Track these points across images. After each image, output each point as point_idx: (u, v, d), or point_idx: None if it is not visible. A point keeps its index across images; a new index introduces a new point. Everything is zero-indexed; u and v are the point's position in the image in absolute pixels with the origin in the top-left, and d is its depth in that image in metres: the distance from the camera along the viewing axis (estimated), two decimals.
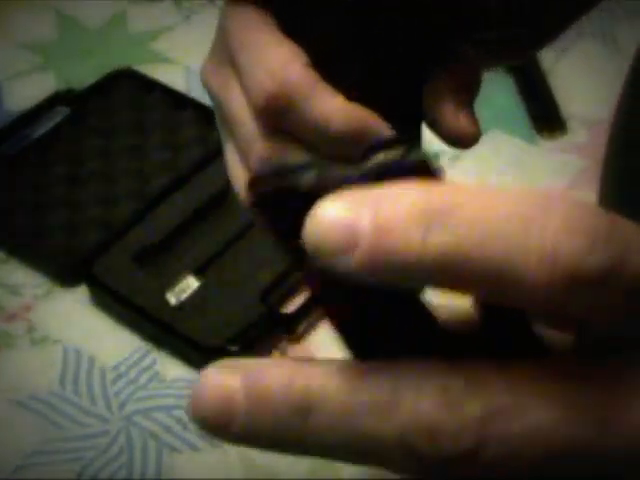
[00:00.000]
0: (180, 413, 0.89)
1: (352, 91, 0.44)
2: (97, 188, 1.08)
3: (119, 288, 0.96)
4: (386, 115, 0.45)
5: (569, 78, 1.20)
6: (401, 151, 0.25)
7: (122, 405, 0.90)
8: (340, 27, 0.45)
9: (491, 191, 0.24)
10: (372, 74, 0.46)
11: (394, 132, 0.44)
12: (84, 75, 1.19)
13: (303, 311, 0.94)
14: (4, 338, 0.95)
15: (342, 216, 0.23)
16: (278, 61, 0.44)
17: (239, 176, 0.48)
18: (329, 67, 0.44)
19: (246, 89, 0.45)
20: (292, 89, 0.43)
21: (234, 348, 0.90)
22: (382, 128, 0.44)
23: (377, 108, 0.45)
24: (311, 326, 0.95)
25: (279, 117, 0.44)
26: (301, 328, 0.95)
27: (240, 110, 0.46)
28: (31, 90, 1.19)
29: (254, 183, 0.26)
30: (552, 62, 1.21)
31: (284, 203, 0.25)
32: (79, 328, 0.96)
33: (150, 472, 0.85)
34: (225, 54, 0.47)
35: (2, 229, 1.05)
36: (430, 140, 1.28)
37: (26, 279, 1.01)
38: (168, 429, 0.88)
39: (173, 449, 0.87)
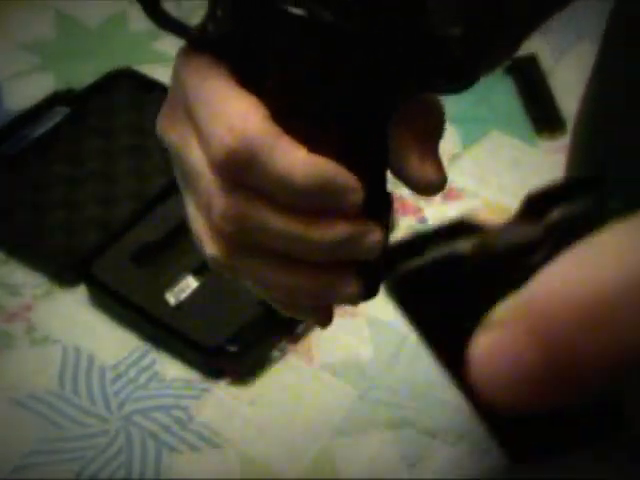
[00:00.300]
0: (179, 413, 0.89)
1: (314, 142, 0.43)
2: (97, 188, 1.08)
3: (118, 288, 0.96)
4: (350, 166, 0.44)
5: (569, 79, 1.20)
6: (588, 202, 0.23)
7: (121, 405, 0.90)
8: (299, 78, 0.44)
9: None
10: (334, 124, 0.45)
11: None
12: (84, 75, 1.19)
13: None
14: (4, 338, 0.95)
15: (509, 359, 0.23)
16: (237, 115, 0.43)
17: (201, 231, 0.47)
18: (289, 118, 0.44)
19: (205, 144, 0.44)
20: (252, 143, 0.42)
21: (233, 348, 0.90)
22: (347, 180, 0.44)
23: (341, 159, 0.44)
24: (310, 326, 0.95)
25: (240, 172, 0.43)
26: (300, 328, 0.95)
27: (200, 165, 0.45)
28: (31, 90, 1.19)
29: (392, 261, 0.23)
30: (552, 63, 1.21)
31: (441, 282, 0.23)
32: (78, 328, 0.96)
33: (149, 472, 0.85)
34: (182, 107, 0.46)
35: (2, 229, 1.05)
36: None
37: (26, 279, 1.01)
38: (167, 429, 0.88)
39: (172, 449, 0.87)
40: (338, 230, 0.44)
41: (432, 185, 0.45)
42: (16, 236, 1.04)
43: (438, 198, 1.08)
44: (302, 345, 0.94)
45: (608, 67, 0.61)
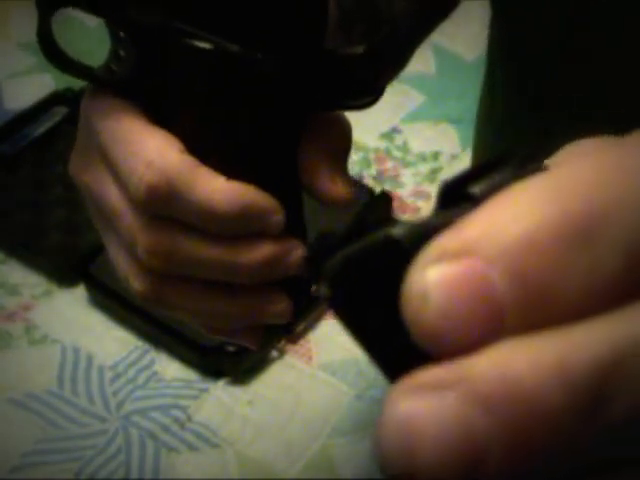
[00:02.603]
0: (178, 413, 0.89)
1: (231, 169, 0.44)
2: None
3: (117, 288, 0.96)
4: (268, 188, 0.45)
5: None
6: (505, 174, 0.20)
7: (120, 404, 0.90)
8: (209, 109, 0.44)
9: None
10: (248, 149, 0.45)
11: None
12: None
13: (301, 311, 0.94)
14: (2, 338, 0.95)
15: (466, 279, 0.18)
16: (153, 151, 0.43)
17: (126, 268, 0.48)
18: (204, 149, 0.44)
19: (124, 183, 0.44)
20: (172, 177, 0.43)
21: (232, 348, 0.90)
22: (267, 202, 0.45)
23: (258, 182, 0.45)
24: (310, 326, 0.95)
25: (162, 206, 0.43)
26: (299, 328, 0.95)
27: (119, 204, 0.45)
28: (30, 90, 1.19)
29: (317, 258, 0.20)
30: None
31: (370, 274, 0.20)
32: (77, 327, 0.97)
33: (148, 471, 0.85)
34: (94, 149, 0.46)
35: (1, 229, 1.05)
36: (428, 140, 1.27)
37: (25, 279, 1.01)
38: (166, 428, 0.88)
39: (171, 448, 0.87)
40: (264, 251, 0.45)
41: (342, 201, 0.46)
42: (15, 236, 1.04)
43: None
44: (300, 345, 0.94)
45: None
